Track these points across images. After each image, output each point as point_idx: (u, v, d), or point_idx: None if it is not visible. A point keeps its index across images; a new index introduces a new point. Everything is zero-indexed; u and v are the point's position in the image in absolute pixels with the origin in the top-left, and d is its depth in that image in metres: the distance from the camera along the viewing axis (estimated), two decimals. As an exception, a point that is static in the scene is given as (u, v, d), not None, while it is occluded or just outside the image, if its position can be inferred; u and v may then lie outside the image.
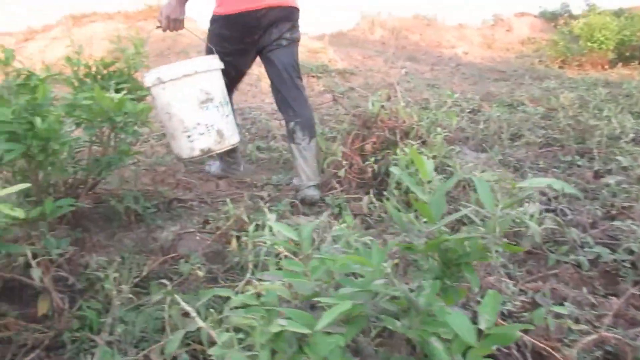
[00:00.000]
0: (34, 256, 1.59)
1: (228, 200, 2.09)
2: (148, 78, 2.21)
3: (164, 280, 1.48)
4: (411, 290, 0.87)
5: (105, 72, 2.13)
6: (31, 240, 1.69)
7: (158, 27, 2.55)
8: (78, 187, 2.03)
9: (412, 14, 12.40)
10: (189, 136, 2.27)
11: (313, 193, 2.53)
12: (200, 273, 1.62)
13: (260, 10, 2.38)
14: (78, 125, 1.86)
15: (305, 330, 0.73)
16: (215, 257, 1.96)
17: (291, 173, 2.98)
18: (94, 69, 2.19)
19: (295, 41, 2.69)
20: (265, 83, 5.76)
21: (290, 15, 2.54)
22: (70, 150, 1.74)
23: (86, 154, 2.16)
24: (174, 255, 1.88)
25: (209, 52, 2.53)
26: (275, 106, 5.02)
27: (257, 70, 5.98)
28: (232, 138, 2.43)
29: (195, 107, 2.26)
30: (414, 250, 0.90)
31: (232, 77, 2.63)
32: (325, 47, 7.78)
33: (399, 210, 2.39)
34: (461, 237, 0.80)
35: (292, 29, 2.60)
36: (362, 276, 1.00)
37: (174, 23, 2.47)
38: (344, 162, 2.59)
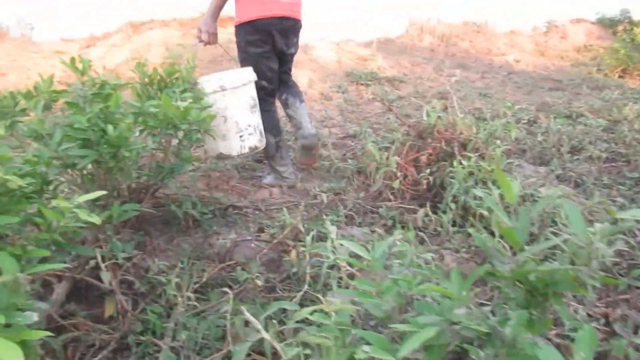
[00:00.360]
0: (102, 259, 1.65)
1: (284, 209, 2.09)
2: (209, 84, 2.33)
3: (226, 289, 1.50)
4: (493, 315, 0.84)
5: (168, 80, 2.18)
6: (98, 243, 1.76)
7: (201, 41, 2.88)
8: (140, 191, 2.09)
9: (461, 20, 12.16)
10: (241, 136, 2.54)
11: (314, 138, 3.16)
12: (259, 282, 1.63)
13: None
14: (141, 131, 1.92)
15: (390, 358, 0.71)
16: (272, 266, 1.97)
17: (343, 182, 2.97)
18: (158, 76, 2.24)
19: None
20: (315, 90, 5.80)
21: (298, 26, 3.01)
22: (136, 156, 1.79)
23: (147, 160, 2.24)
24: (231, 262, 1.89)
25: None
26: (325, 113, 5.08)
27: (307, 77, 6.03)
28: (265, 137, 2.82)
29: (248, 111, 2.59)
30: (498, 277, 0.87)
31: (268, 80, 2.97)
32: (374, 54, 7.74)
33: (454, 224, 2.35)
34: (553, 269, 0.76)
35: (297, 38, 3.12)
36: (435, 299, 0.98)
37: (213, 37, 2.88)
38: (398, 173, 2.55)
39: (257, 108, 2.68)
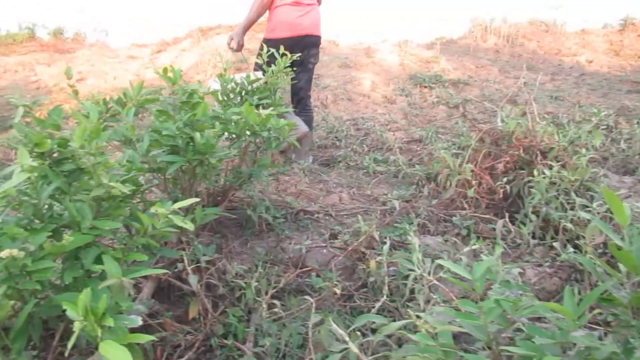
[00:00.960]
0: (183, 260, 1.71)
1: (359, 217, 2.07)
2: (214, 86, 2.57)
3: (307, 297, 1.50)
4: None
5: (249, 88, 2.22)
6: (181, 245, 1.82)
7: (230, 48, 3.57)
8: (217, 195, 2.14)
9: (527, 19, 11.66)
10: None
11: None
12: (338, 290, 1.62)
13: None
14: (219, 136, 1.96)
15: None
16: (346, 273, 1.96)
17: (412, 189, 2.92)
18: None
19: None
20: (378, 93, 5.76)
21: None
22: (219, 163, 1.84)
23: (224, 164, 2.29)
24: (306, 269, 1.90)
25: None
26: (389, 117, 5.02)
27: (370, 80, 5.99)
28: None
29: None
30: (615, 304, 0.81)
31: None
32: (437, 56, 7.58)
33: (533, 237, 2.24)
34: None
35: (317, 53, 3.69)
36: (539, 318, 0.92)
37: (240, 47, 3.58)
38: (473, 181, 2.47)
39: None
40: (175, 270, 1.63)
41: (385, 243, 2.09)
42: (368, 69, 6.27)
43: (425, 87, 6.17)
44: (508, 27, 11.05)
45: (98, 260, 1.18)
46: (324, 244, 2.08)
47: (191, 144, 1.64)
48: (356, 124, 4.75)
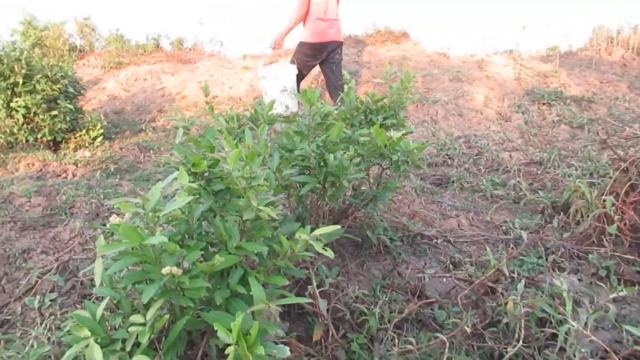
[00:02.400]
0: (308, 281, 1.71)
1: (487, 249, 1.95)
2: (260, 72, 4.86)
3: (438, 334, 1.43)
4: None
5: (373, 106, 2.20)
6: (305, 264, 1.83)
7: (270, 47, 4.88)
8: (339, 214, 2.13)
9: (663, 28, 10.44)
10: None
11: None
12: (468, 329, 1.52)
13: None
14: (352, 159, 1.95)
15: None
16: (471, 308, 1.84)
17: (537, 218, 2.70)
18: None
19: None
20: (492, 109, 5.47)
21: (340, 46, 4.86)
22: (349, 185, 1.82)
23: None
24: (429, 300, 1.82)
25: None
26: (504, 135, 4.74)
27: (483, 95, 5.73)
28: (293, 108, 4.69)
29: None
30: None
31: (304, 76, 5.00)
32: (556, 69, 7.05)
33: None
34: None
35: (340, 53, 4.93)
36: None
37: (279, 47, 4.90)
38: (615, 217, 2.22)
39: (288, 90, 4.66)
40: (297, 287, 1.63)
41: (514, 279, 1.96)
42: (481, 83, 5.99)
43: (544, 103, 5.75)
44: (638, 38, 10.02)
45: (242, 279, 1.21)
46: (447, 274, 1.98)
47: (323, 165, 1.64)
48: (468, 141, 4.54)
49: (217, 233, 1.23)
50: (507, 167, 3.76)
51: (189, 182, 1.11)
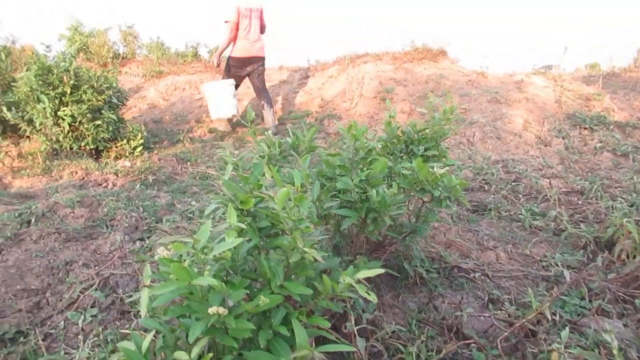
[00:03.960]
0: (345, 316, 1.70)
1: (530, 290, 1.90)
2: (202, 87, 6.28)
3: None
4: None
5: (415, 137, 2.18)
6: (336, 294, 1.82)
7: (216, 65, 6.32)
8: (376, 245, 2.12)
9: None
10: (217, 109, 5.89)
11: (274, 129, 5.67)
12: (508, 377, 1.48)
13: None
14: (395, 196, 1.94)
15: None
16: (509, 350, 1.80)
17: (579, 254, 2.62)
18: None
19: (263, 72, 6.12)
20: (531, 133, 5.36)
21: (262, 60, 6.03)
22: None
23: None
24: (468, 341, 1.78)
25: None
26: (543, 161, 4.64)
27: (521, 118, 5.62)
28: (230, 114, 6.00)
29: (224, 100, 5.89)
30: None
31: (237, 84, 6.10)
32: (599, 92, 6.86)
33: None
34: None
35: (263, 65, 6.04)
36: None
37: (219, 65, 6.28)
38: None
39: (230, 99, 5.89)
40: (334, 319, 1.63)
41: (556, 322, 1.90)
42: (520, 105, 5.87)
43: (586, 128, 5.59)
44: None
45: (284, 319, 1.22)
46: (486, 314, 1.94)
47: (365, 199, 1.63)
48: (506, 166, 4.45)
49: (261, 271, 1.24)
50: (546, 196, 3.66)
51: (237, 219, 1.13)
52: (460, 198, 1.82)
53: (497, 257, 2.55)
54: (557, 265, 2.47)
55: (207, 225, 1.13)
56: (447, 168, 1.76)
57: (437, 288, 2.23)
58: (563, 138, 5.28)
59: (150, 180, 4.10)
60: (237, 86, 6.08)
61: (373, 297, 1.22)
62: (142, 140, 4.85)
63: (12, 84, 5.25)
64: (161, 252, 1.23)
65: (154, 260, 2.06)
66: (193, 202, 3.37)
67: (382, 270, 1.28)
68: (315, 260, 1.37)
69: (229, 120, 6.17)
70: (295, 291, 1.18)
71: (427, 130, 2.21)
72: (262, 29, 6.02)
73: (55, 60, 4.54)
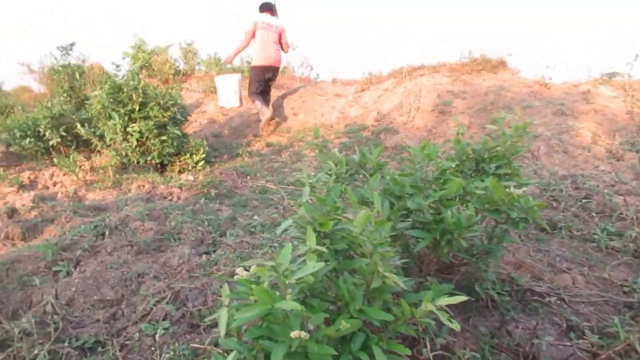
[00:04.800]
0: (416, 339, 1.65)
1: (616, 319, 1.78)
2: (215, 78, 7.77)
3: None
4: None
5: (486, 154, 2.11)
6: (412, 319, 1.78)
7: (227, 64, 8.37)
8: (447, 267, 2.06)
9: None
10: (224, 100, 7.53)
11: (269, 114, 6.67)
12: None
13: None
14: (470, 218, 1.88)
15: None
16: (594, 384, 1.68)
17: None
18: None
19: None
20: (601, 146, 5.08)
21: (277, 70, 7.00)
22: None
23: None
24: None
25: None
26: (615, 176, 4.37)
27: (590, 130, 5.34)
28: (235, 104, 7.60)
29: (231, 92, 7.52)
30: None
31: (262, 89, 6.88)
32: (676, 103, 6.41)
33: None
34: None
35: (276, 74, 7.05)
36: None
37: (230, 62, 7.77)
38: None
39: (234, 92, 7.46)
40: (406, 342, 1.58)
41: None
42: (588, 118, 5.59)
43: None
44: None
45: (363, 344, 1.20)
46: (567, 343, 1.83)
47: (441, 222, 1.59)
48: (575, 182, 4.23)
49: (339, 294, 1.23)
50: (622, 214, 3.43)
51: (322, 248, 1.12)
52: (539, 221, 1.74)
53: (574, 280, 2.41)
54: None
55: (288, 248, 1.14)
56: (525, 188, 1.69)
57: (510, 312, 2.13)
58: (637, 152, 4.97)
59: (213, 194, 4.21)
60: (262, 92, 6.80)
61: (455, 325, 1.18)
62: (204, 155, 5.01)
63: (85, 102, 5.59)
64: (240, 273, 1.24)
65: (229, 279, 2.09)
66: (255, 217, 3.42)
67: (464, 297, 1.24)
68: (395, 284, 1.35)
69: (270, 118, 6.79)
70: (375, 317, 1.16)
71: (498, 148, 2.14)
72: (284, 47, 6.86)
73: (125, 79, 4.79)
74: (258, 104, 6.69)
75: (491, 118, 5.65)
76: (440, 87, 6.39)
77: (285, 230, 1.48)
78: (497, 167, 2.10)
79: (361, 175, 2.15)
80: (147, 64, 12.96)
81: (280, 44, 6.81)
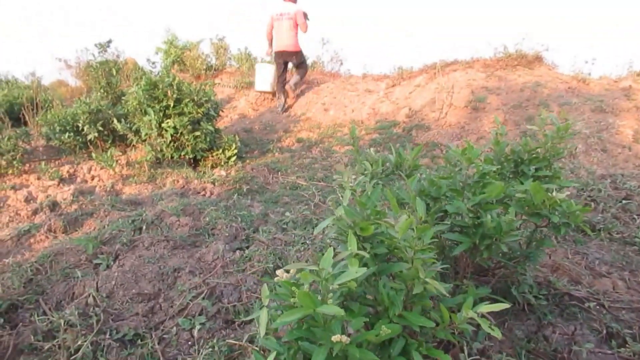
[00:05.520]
0: (452, 344, 1.64)
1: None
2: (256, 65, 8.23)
3: None
4: None
5: (525, 156, 2.07)
6: (452, 324, 1.77)
7: (267, 54, 8.10)
8: (484, 270, 2.03)
9: None
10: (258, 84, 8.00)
11: (282, 108, 7.71)
12: None
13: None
14: (510, 223, 1.85)
15: None
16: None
17: None
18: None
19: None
20: (642, 145, 4.90)
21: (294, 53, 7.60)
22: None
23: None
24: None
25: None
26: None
27: (631, 128, 5.16)
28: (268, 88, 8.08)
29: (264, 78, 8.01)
30: None
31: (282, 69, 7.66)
32: None
33: None
34: None
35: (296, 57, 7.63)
36: None
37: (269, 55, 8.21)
38: None
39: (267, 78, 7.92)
40: (441, 346, 1.57)
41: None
42: (629, 115, 5.39)
43: None
44: None
45: (403, 350, 1.20)
46: (608, 351, 1.79)
47: (481, 226, 1.57)
48: (614, 181, 4.09)
49: (379, 299, 1.23)
50: (664, 219, 3.32)
51: (364, 253, 1.13)
52: (582, 226, 1.70)
53: (614, 285, 2.35)
54: (686, 298, 2.22)
55: (330, 252, 1.14)
56: (568, 193, 1.65)
57: (547, 316, 2.09)
58: (680, 151, 4.78)
59: (245, 190, 4.26)
60: (284, 73, 7.69)
61: (497, 333, 1.16)
62: (236, 151, 5.07)
63: (121, 97, 5.73)
64: (280, 275, 1.25)
65: (265, 280, 2.12)
66: (287, 214, 3.45)
67: (506, 305, 1.23)
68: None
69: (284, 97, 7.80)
70: (416, 322, 1.16)
71: (538, 150, 2.09)
72: (301, 28, 7.37)
73: (160, 75, 4.88)
74: (278, 90, 7.79)
75: (527, 115, 5.52)
76: (473, 82, 6.27)
77: (323, 230, 1.49)
78: (537, 169, 2.06)
79: (397, 176, 2.14)
80: (178, 59, 13.16)
81: (298, 26, 7.39)
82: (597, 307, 2.17)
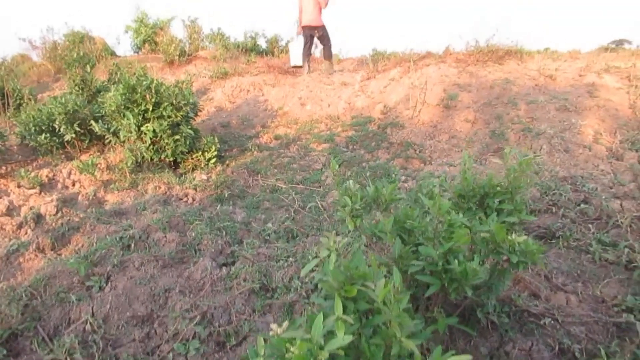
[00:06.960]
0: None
1: (602, 351, 1.98)
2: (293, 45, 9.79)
3: None
4: None
5: (490, 190, 2.27)
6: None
7: (298, 34, 9.48)
8: (452, 304, 2.25)
9: None
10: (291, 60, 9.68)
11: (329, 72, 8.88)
12: None
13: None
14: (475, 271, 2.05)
15: None
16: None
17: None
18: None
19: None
20: (601, 145, 5.21)
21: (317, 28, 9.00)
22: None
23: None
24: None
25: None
26: (614, 178, 4.52)
27: (592, 128, 5.45)
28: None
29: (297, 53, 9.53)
30: None
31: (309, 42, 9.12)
32: (678, 95, 6.49)
33: None
34: None
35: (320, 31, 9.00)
36: None
37: (300, 32, 9.37)
38: None
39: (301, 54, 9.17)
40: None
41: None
42: (591, 113, 5.69)
43: (664, 139, 5.36)
44: None
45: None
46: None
47: (449, 271, 1.77)
48: (574, 183, 4.38)
49: (362, 355, 1.42)
50: (617, 221, 3.60)
51: (349, 319, 1.31)
52: (540, 263, 1.92)
53: (567, 299, 2.61)
54: (629, 310, 2.50)
55: (319, 319, 1.32)
56: (526, 237, 1.86)
57: (508, 333, 2.33)
58: (637, 151, 5.10)
59: (226, 195, 4.40)
60: (310, 44, 9.04)
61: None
62: (215, 152, 5.16)
63: (97, 95, 5.71)
64: (275, 329, 1.43)
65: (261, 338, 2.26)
66: (269, 225, 3.61)
67: (468, 357, 1.43)
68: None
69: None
70: (394, 377, 1.36)
71: (502, 183, 2.30)
72: (322, 4, 8.69)
73: (138, 79, 4.90)
74: (303, 59, 9.09)
75: (496, 114, 5.76)
76: (446, 79, 6.47)
77: (309, 273, 1.66)
78: (500, 202, 2.27)
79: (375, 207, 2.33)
80: (149, 39, 12.88)
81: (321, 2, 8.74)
82: (552, 322, 2.43)
